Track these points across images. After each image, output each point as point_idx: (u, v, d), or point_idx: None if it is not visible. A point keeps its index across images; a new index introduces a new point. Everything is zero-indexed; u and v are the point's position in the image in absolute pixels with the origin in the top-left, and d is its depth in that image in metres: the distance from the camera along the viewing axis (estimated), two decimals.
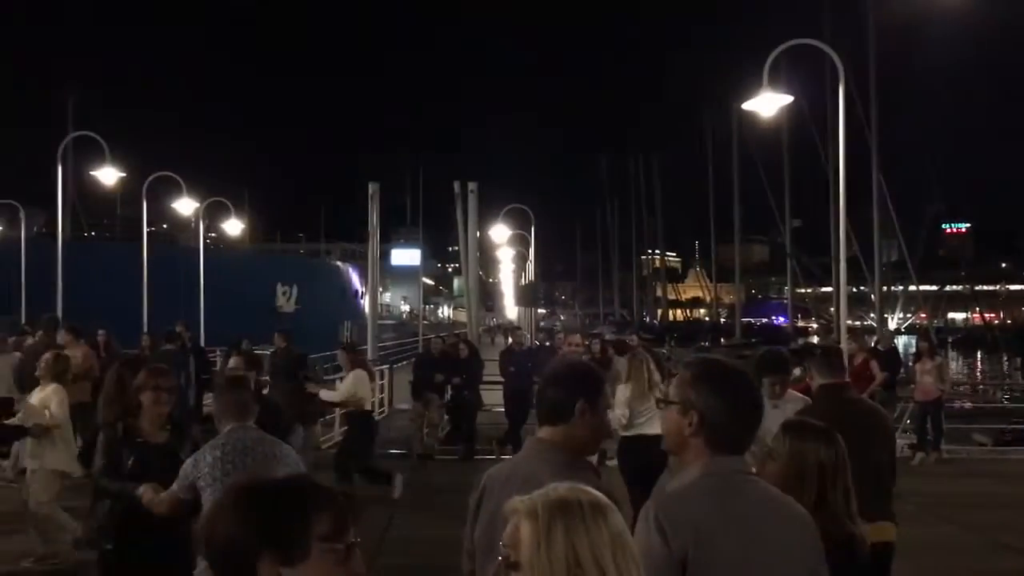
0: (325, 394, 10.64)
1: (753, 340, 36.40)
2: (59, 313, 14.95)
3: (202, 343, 16.45)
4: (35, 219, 29.11)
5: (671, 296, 74.84)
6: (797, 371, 6.38)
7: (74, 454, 7.07)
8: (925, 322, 38.83)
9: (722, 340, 38.43)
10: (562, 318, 78.38)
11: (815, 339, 38.54)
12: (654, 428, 8.24)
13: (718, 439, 2.23)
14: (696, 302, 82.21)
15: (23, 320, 17.38)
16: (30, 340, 11.96)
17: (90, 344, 12.50)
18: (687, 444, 2.27)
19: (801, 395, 5.27)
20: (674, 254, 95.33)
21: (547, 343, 15.10)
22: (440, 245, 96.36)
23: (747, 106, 11.31)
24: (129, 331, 13.96)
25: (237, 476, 3.91)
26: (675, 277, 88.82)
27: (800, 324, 45.19)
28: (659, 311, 69.35)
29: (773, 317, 54.02)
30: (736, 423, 2.26)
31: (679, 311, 75.43)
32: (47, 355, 7.37)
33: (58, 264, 15.67)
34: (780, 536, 2.16)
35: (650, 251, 71.17)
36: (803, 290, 46.52)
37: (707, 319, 60.33)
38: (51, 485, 6.85)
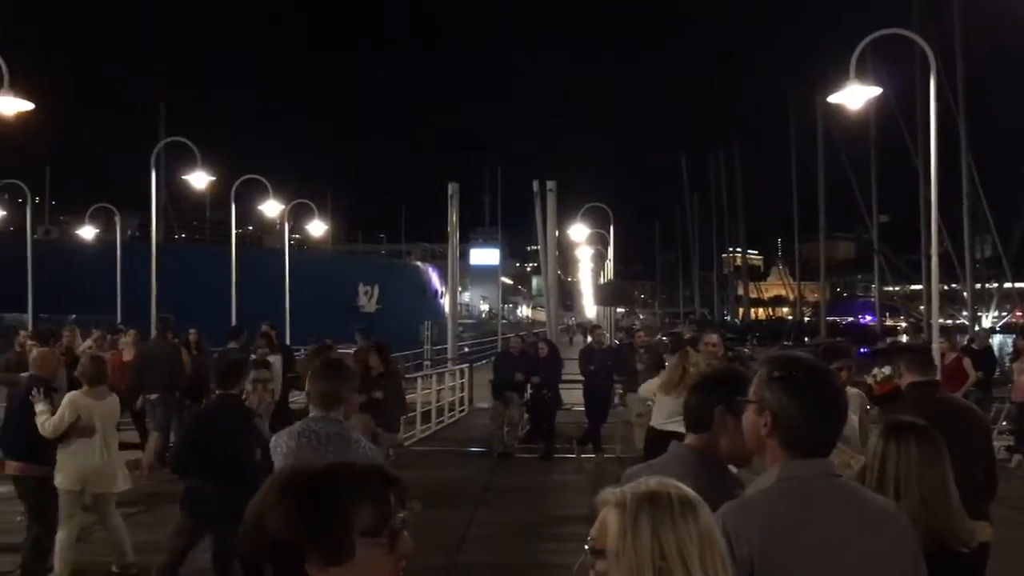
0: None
1: (839, 339, 35.56)
2: (153, 313, 15.51)
3: (288, 342, 16.84)
4: (130, 222, 30.12)
5: (753, 294, 73.64)
6: (887, 370, 6.23)
7: (94, 466, 6.52)
8: (1022, 320, 37.31)
9: (806, 339, 37.53)
10: (641, 317, 77.80)
11: (904, 338, 37.42)
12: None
13: (795, 440, 2.12)
14: (779, 300, 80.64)
15: (118, 320, 18.05)
16: (125, 339, 12.42)
17: (182, 342, 12.95)
18: (763, 445, 2.18)
19: (856, 390, 5.20)
20: (756, 252, 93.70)
21: (627, 342, 14.99)
22: (518, 245, 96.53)
23: (834, 99, 11.03)
24: (219, 330, 14.36)
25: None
26: (757, 275, 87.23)
27: (888, 323, 43.85)
28: (740, 310, 68.27)
29: (859, 316, 52.52)
30: (814, 424, 2.14)
31: (761, 310, 74.14)
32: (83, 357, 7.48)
33: (152, 266, 16.23)
34: (866, 542, 2.05)
35: (731, 249, 70.13)
36: (891, 288, 45.19)
37: (790, 318, 59.07)
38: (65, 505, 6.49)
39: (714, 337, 8.90)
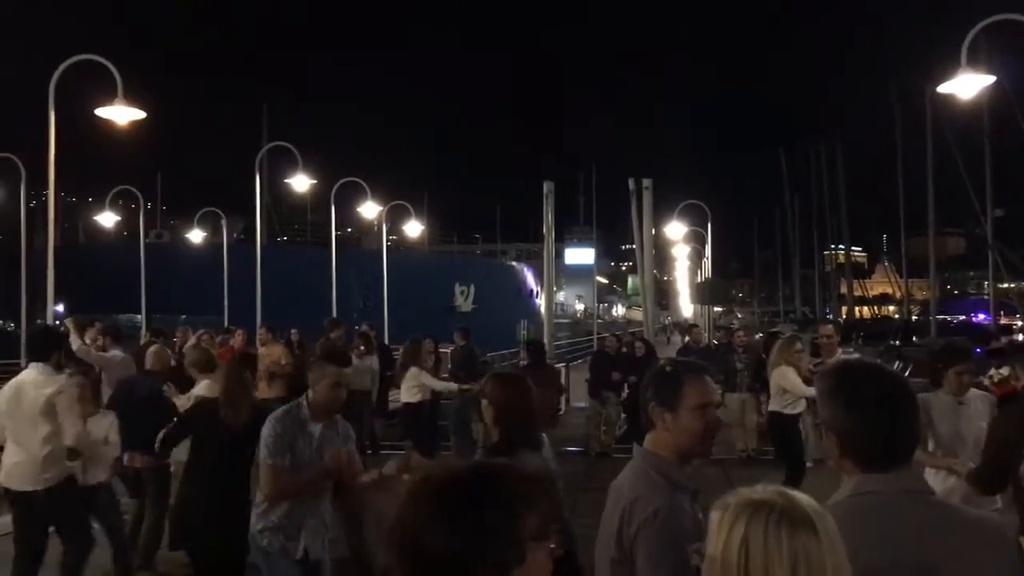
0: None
1: (957, 338, 34.14)
2: (258, 313, 15.98)
3: (386, 341, 17.13)
4: (235, 225, 31.15)
5: (856, 292, 71.43)
6: (1004, 371, 5.95)
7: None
8: None
9: (914, 338, 36.17)
10: (739, 316, 76.38)
11: (1021, 337, 35.72)
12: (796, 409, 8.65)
13: (861, 454, 1.94)
14: (884, 299, 78.02)
15: (226, 321, 18.68)
16: (234, 339, 12.84)
17: (285, 342, 13.30)
18: (841, 467, 2.00)
19: (983, 392, 4.94)
20: (859, 248, 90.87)
21: (726, 341, 14.73)
22: (613, 243, 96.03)
23: (944, 88, 10.58)
24: (320, 330, 14.68)
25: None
26: (861, 272, 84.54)
27: (1004, 321, 41.89)
28: (843, 308, 66.31)
29: (972, 314, 50.35)
30: (872, 432, 1.94)
31: (865, 308, 71.86)
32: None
33: (257, 268, 16.73)
34: (948, 560, 1.83)
35: (833, 245, 68.12)
36: (1005, 285, 43.18)
37: (896, 316, 57.05)
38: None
39: (829, 327, 8.72)
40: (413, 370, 10.57)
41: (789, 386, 8.42)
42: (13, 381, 5.68)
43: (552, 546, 1.42)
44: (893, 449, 1.96)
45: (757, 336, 15.39)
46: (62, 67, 10.75)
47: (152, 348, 7.73)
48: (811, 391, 8.36)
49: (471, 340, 12.45)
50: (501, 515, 1.39)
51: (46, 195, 12.16)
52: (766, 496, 1.54)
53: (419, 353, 10.73)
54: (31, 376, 5.57)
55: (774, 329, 26.23)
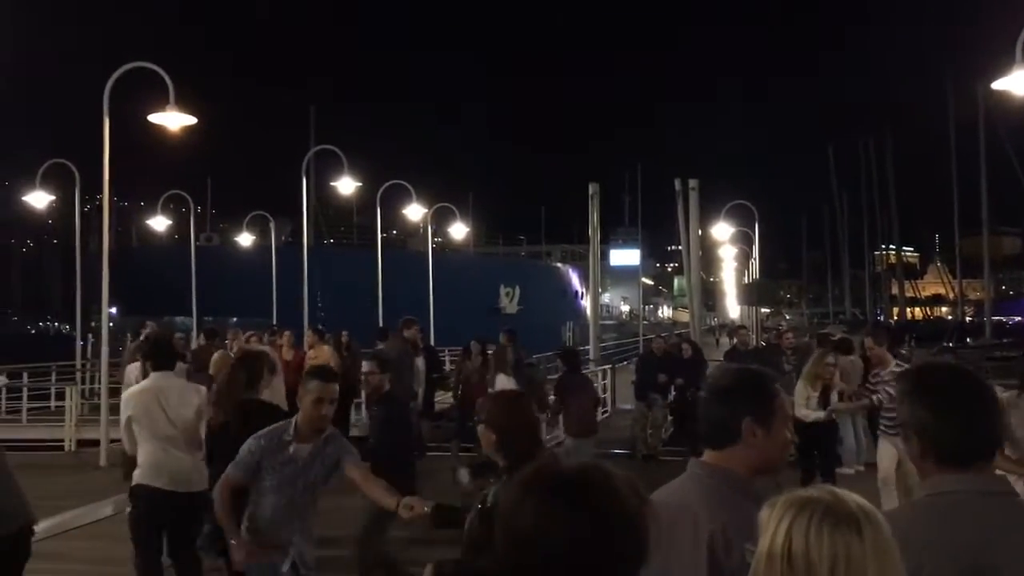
0: None
1: (1006, 340, 33.37)
2: (305, 315, 16.14)
3: (432, 343, 17.20)
4: (283, 228, 31.54)
5: (908, 293, 70.18)
6: None
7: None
8: None
9: (968, 340, 35.40)
10: (787, 318, 75.46)
11: None
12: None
13: (938, 453, 1.94)
14: (937, 299, 76.57)
15: (274, 321, 18.90)
16: (281, 340, 12.96)
17: (334, 345, 13.42)
18: (921, 469, 1.98)
19: None
20: (911, 248, 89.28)
21: (774, 343, 14.55)
22: (659, 244, 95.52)
23: (999, 85, 10.33)
24: (366, 331, 14.80)
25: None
26: (913, 273, 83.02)
27: None
28: (895, 309, 65.17)
29: None
30: (958, 432, 1.93)
31: (917, 309, 70.58)
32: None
33: (304, 270, 16.91)
34: (1015, 561, 1.81)
35: (884, 245, 66.95)
36: None
37: (950, 317, 55.92)
38: None
39: (869, 339, 8.60)
40: (501, 377, 10.59)
41: (796, 398, 8.38)
42: (144, 387, 5.92)
43: None
44: (973, 449, 1.95)
45: (806, 338, 15.17)
46: (116, 75, 10.97)
47: (217, 354, 7.89)
48: (804, 413, 8.32)
49: (517, 342, 12.44)
50: (623, 511, 1.42)
51: (100, 199, 12.42)
52: (814, 494, 1.54)
53: (505, 359, 10.81)
54: (167, 383, 5.82)
55: (823, 331, 25.88)
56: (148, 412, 5.70)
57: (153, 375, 5.97)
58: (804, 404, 8.46)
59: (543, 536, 1.39)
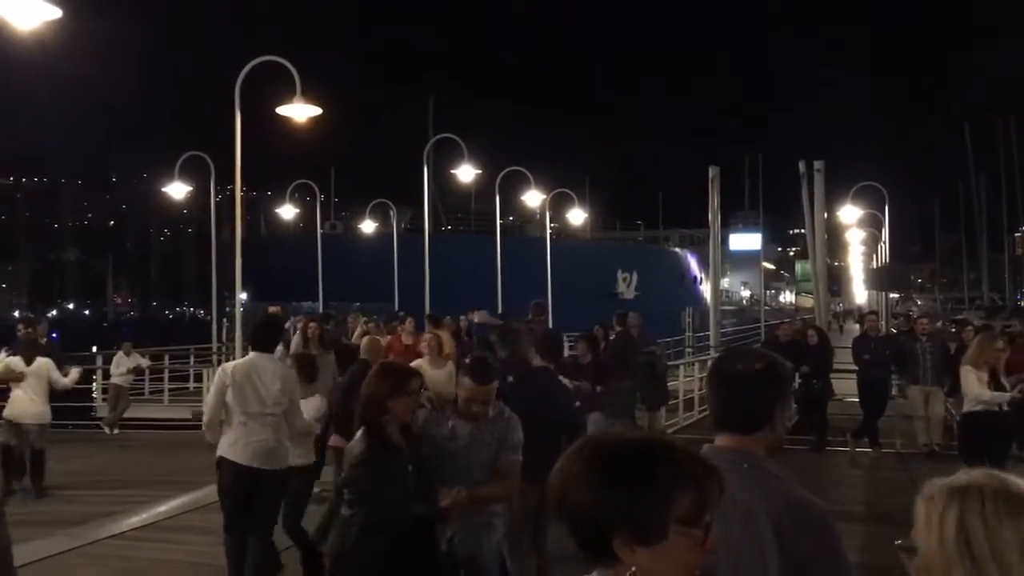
0: None
1: None
2: (426, 301, 16.44)
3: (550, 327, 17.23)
4: (403, 215, 32.17)
5: None
6: None
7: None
8: None
9: None
10: (919, 303, 72.29)
11: None
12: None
13: None
14: None
15: (396, 307, 19.33)
16: (403, 326, 13.22)
17: (452, 330, 13.60)
18: None
19: None
20: None
21: (906, 329, 13.96)
22: (780, 228, 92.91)
23: None
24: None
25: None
26: None
27: None
28: None
29: None
30: None
31: None
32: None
33: (425, 257, 17.21)
34: None
35: None
36: None
37: None
38: None
39: (1016, 324, 8.13)
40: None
41: (966, 388, 7.92)
42: (239, 365, 6.14)
43: (701, 536, 1.41)
44: None
45: (939, 324, 14.49)
46: (246, 69, 11.37)
47: (366, 338, 8.18)
48: (989, 395, 7.81)
49: (628, 326, 12.31)
50: (653, 488, 1.40)
51: (231, 190, 12.91)
52: (972, 479, 1.45)
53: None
54: (262, 362, 6.06)
55: (959, 317, 24.70)
56: (241, 388, 5.92)
57: (252, 353, 6.18)
58: (978, 388, 7.90)
59: (569, 496, 1.42)
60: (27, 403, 9.52)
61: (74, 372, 10.65)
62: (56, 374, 9.84)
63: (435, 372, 8.61)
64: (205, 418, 6.19)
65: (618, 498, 1.39)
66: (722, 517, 1.96)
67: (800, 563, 2.12)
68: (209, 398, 6.17)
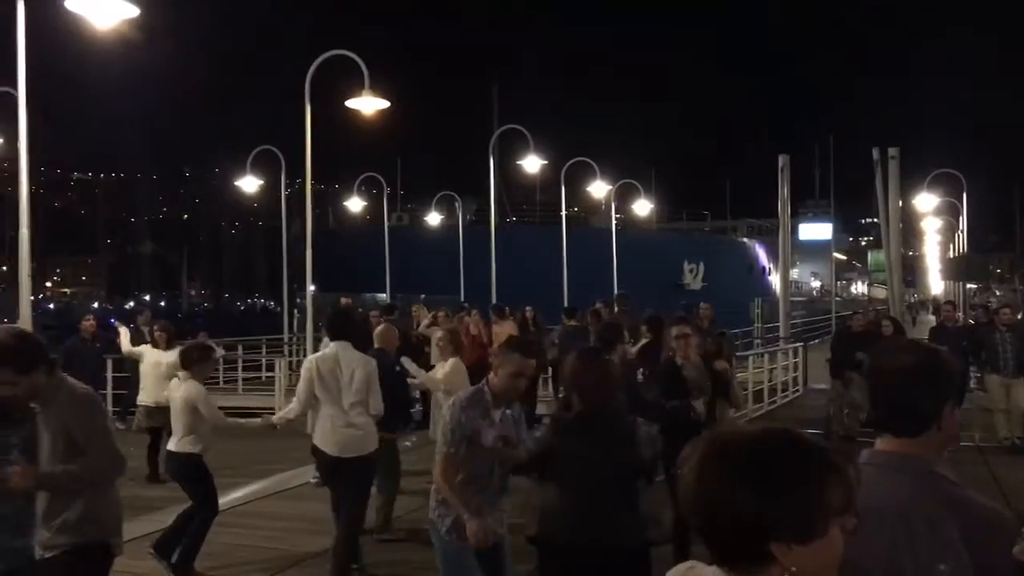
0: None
1: None
2: (493, 292, 16.46)
3: None
4: (469, 207, 32.29)
5: None
6: None
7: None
8: None
9: None
10: (998, 293, 70.03)
11: None
12: None
13: None
14: None
15: (462, 298, 19.42)
16: (469, 317, 13.29)
17: (518, 320, 13.62)
18: None
19: None
20: None
21: (985, 320, 13.54)
22: (851, 218, 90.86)
23: None
24: (551, 307, 14.92)
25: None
26: None
27: None
28: None
29: None
30: None
31: None
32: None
33: (492, 248, 17.24)
34: None
35: None
36: None
37: None
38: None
39: None
40: None
41: None
42: (323, 356, 6.29)
43: (854, 522, 1.39)
44: None
45: (1020, 316, 13.97)
46: (316, 63, 11.52)
47: (380, 327, 8.09)
48: None
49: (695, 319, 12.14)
50: (811, 484, 1.36)
51: (300, 183, 13.09)
52: None
53: None
54: (345, 353, 6.20)
55: None
56: (326, 379, 6.10)
57: (333, 344, 6.29)
58: None
59: (714, 499, 1.37)
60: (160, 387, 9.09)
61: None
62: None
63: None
64: (296, 411, 6.40)
65: (781, 502, 1.34)
66: (901, 522, 1.93)
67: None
68: (299, 391, 6.35)
